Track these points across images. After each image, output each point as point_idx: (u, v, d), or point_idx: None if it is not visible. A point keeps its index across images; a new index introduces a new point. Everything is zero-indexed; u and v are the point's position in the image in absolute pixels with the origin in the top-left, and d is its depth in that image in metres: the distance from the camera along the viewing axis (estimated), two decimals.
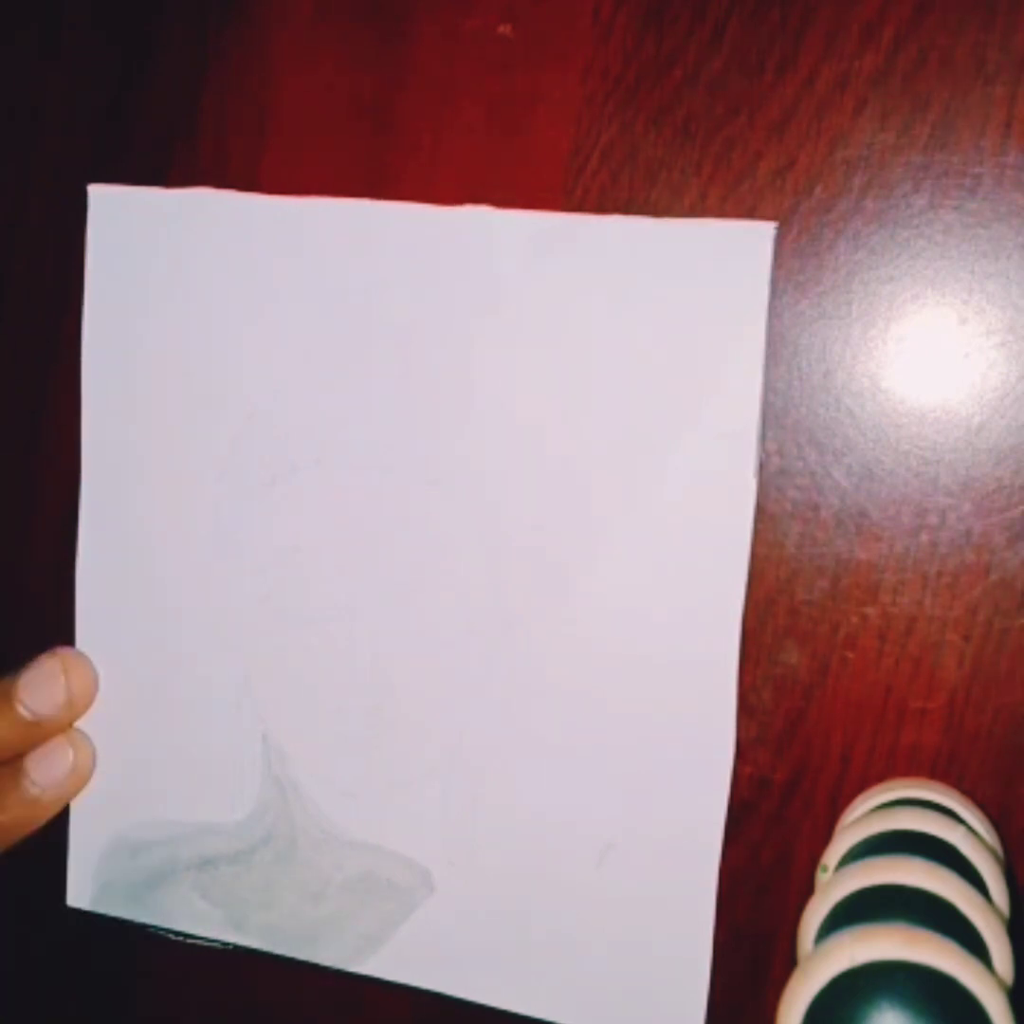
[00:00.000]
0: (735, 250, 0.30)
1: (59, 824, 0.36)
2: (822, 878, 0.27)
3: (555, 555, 0.32)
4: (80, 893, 0.37)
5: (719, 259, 0.30)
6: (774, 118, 0.30)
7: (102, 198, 0.35)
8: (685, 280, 0.30)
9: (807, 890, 0.29)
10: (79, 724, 0.36)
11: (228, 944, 0.36)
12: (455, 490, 0.32)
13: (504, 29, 0.32)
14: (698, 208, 0.31)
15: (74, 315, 0.35)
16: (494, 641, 0.32)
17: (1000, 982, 0.22)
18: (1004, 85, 0.29)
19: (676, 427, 0.30)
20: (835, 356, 0.30)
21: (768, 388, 0.30)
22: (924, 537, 0.30)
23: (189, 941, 0.36)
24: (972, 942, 0.23)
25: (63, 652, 0.35)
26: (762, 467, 0.31)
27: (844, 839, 0.27)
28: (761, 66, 0.30)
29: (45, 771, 0.34)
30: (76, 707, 0.35)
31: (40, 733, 0.34)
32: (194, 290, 0.34)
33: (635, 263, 0.31)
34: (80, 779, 0.35)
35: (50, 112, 0.37)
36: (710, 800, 0.31)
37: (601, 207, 0.31)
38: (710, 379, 0.30)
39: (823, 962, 0.22)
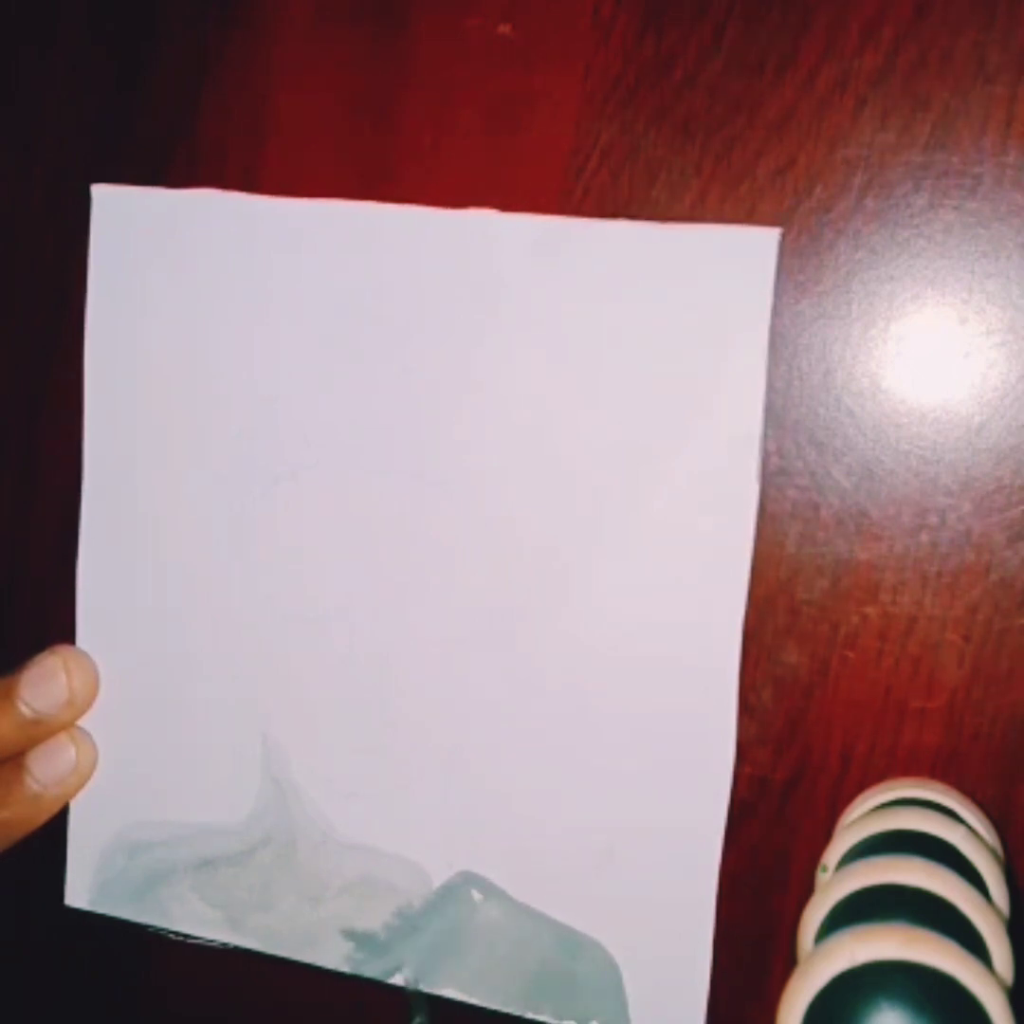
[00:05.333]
0: (739, 255, 0.30)
1: (58, 823, 0.36)
2: (822, 878, 0.27)
3: (557, 556, 0.32)
4: (78, 892, 0.37)
5: (723, 264, 0.30)
6: (774, 118, 0.30)
7: (105, 198, 0.35)
8: (688, 285, 0.30)
9: (807, 890, 0.29)
10: (79, 723, 0.36)
11: (227, 945, 0.36)
12: (457, 492, 0.32)
13: (504, 29, 0.32)
14: (698, 208, 0.31)
15: (76, 314, 0.35)
16: (495, 641, 0.32)
17: (1000, 982, 0.22)
18: (1004, 85, 0.29)
19: (679, 431, 0.30)
20: (835, 356, 0.30)
21: (768, 388, 0.30)
22: (924, 537, 0.30)
23: (188, 941, 0.36)
24: (972, 942, 0.23)
25: (64, 650, 0.35)
26: (762, 467, 0.30)
27: (844, 839, 0.27)
28: (761, 66, 0.30)
29: (47, 768, 0.34)
30: (77, 705, 0.35)
31: (41, 731, 0.34)
32: (195, 291, 0.34)
33: (638, 267, 0.31)
34: (82, 777, 0.35)
35: (50, 112, 0.37)
36: (710, 800, 0.31)
37: (601, 207, 0.31)
38: (713, 383, 0.30)
39: (823, 962, 0.22)
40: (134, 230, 0.35)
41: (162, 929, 0.36)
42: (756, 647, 0.31)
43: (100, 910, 0.37)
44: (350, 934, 0.34)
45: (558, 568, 0.32)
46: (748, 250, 0.30)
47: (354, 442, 0.33)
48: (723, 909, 0.31)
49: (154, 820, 0.36)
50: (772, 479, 0.31)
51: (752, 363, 0.30)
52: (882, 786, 0.29)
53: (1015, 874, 0.29)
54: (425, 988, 0.34)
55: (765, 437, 0.30)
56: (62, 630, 0.36)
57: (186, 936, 0.36)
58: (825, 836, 0.30)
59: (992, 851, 0.27)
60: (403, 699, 0.33)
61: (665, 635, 0.31)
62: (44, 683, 0.34)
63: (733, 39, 0.30)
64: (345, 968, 0.35)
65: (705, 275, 0.30)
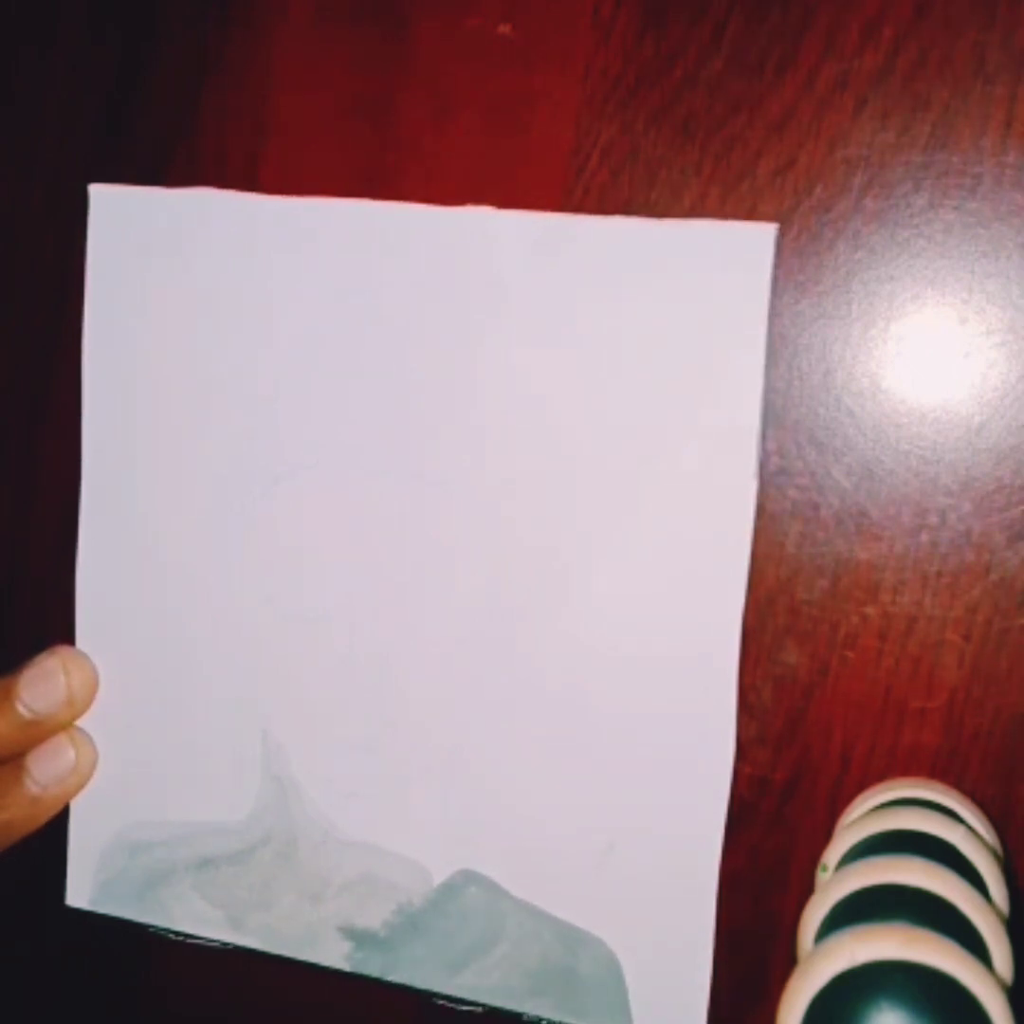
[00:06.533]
0: (736, 251, 0.30)
1: (58, 823, 0.36)
2: (822, 878, 0.27)
3: (556, 555, 0.32)
4: (79, 892, 0.37)
5: (720, 260, 0.30)
6: (774, 118, 0.30)
7: (103, 198, 0.35)
8: (686, 281, 0.30)
9: (807, 890, 0.29)
10: (78, 723, 0.36)
11: (228, 944, 0.36)
12: (456, 491, 0.32)
13: (504, 29, 0.32)
14: (698, 208, 0.31)
15: (76, 314, 0.35)
16: (494, 641, 0.32)
17: (1000, 982, 0.22)
18: (1004, 85, 0.29)
19: (677, 427, 0.30)
20: (835, 356, 0.30)
21: (768, 388, 0.30)
22: (924, 537, 0.30)
23: (189, 941, 0.36)
24: (972, 942, 0.23)
25: (63, 651, 0.35)
26: (762, 467, 0.31)
27: (844, 839, 0.27)
28: (761, 66, 0.30)
29: (46, 769, 0.34)
30: (76, 706, 0.35)
31: (40, 732, 0.34)
32: (195, 290, 0.34)
33: (637, 264, 0.31)
34: (81, 777, 0.35)
35: (50, 112, 0.37)
36: (710, 800, 0.31)
37: (601, 207, 0.31)
38: (711, 379, 0.30)
39: (823, 962, 0.22)
40: (133, 230, 0.35)
41: (163, 929, 0.36)
42: (756, 647, 0.31)
43: (101, 910, 0.37)
44: (350, 932, 0.34)
45: (558, 568, 0.32)
46: (745, 245, 0.30)
47: (354, 442, 0.33)
48: (723, 909, 0.31)
49: (154, 820, 0.36)
50: (772, 479, 0.31)
51: (750, 358, 0.30)
52: (882, 786, 0.29)
53: (1015, 874, 0.29)
54: (427, 987, 0.34)
55: (765, 437, 0.30)
56: (62, 630, 0.36)
57: (186, 936, 0.36)
58: (825, 836, 0.30)
59: (992, 851, 0.27)
60: (403, 699, 0.33)
61: (665, 635, 0.31)
62: (43, 684, 0.34)
63: (733, 39, 0.30)
64: (345, 967, 0.35)
65: (703, 270, 0.30)
